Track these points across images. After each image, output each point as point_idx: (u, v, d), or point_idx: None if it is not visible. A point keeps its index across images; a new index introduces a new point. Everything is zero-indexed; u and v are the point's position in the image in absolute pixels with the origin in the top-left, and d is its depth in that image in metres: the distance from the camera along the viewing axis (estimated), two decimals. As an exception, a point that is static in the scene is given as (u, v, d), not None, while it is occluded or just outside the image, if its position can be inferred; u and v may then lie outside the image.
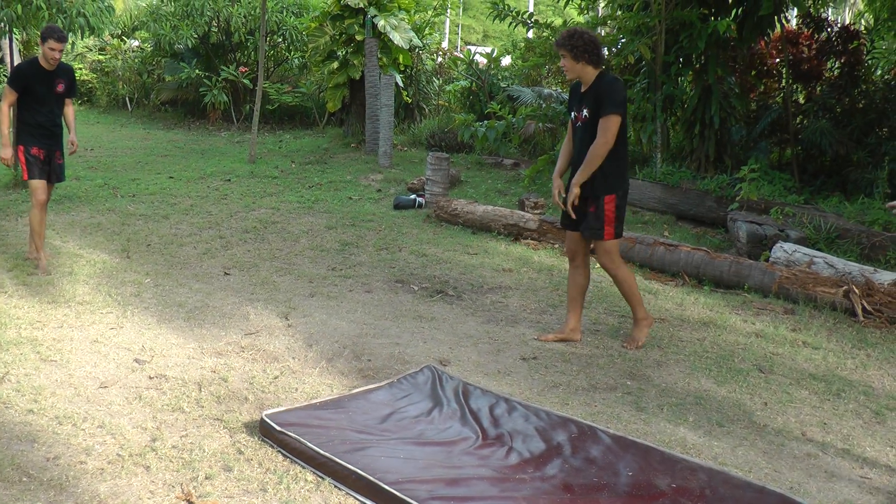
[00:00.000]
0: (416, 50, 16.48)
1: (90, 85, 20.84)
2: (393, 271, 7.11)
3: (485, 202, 9.68)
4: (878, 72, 12.83)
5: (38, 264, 6.68)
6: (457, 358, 5.18)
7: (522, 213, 8.67)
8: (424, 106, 17.38)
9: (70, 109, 7.04)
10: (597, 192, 5.22)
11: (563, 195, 5.43)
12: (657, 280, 7.24)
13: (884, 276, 6.69)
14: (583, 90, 5.29)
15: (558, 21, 14.91)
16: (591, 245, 5.52)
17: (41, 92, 6.71)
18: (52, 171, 6.89)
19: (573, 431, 4.10)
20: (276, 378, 4.71)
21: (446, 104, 17.03)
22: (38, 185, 6.73)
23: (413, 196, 10.08)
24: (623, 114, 5.12)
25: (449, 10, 18.47)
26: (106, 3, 11.41)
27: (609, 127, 5.05)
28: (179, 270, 6.84)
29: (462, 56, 18.26)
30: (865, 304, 6.25)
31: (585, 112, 5.22)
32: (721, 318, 6.22)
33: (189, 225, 8.47)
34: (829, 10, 16.15)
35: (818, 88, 12.32)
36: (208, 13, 17.74)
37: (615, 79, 5.24)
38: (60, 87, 6.82)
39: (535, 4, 37.19)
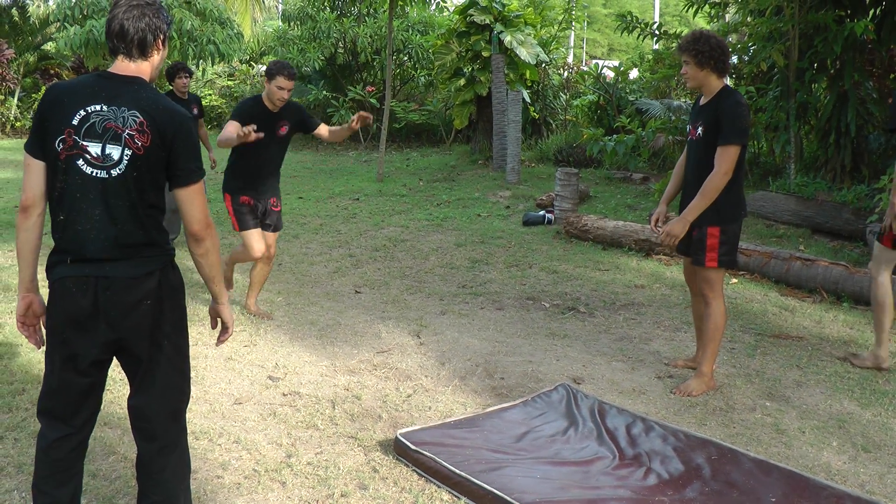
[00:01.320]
0: (543, 65, 16.52)
1: (220, 110, 21.63)
2: (524, 288, 7.15)
3: (615, 217, 9.63)
4: None
5: (262, 315, 6.31)
6: (590, 376, 5.17)
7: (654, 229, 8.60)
8: (552, 121, 17.39)
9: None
10: (701, 221, 4.82)
11: (661, 224, 5.14)
12: (794, 296, 7.06)
13: None
14: (702, 102, 4.95)
15: (686, 31, 14.70)
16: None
17: (263, 135, 5.71)
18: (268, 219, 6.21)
19: (713, 453, 4.04)
20: (409, 396, 4.79)
21: (574, 119, 17.00)
22: (253, 234, 6.04)
23: (542, 212, 10.09)
24: (745, 142, 4.75)
25: (574, 25, 18.42)
26: (235, 31, 11.87)
27: (729, 157, 4.66)
28: (311, 289, 7.04)
29: (589, 70, 18.21)
30: None
31: (700, 129, 4.85)
32: (862, 337, 6.02)
33: (319, 244, 8.71)
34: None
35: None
36: (335, 35, 18.23)
37: (740, 102, 4.75)
38: (283, 130, 6.04)
39: (661, 15, 36.67)
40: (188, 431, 4.25)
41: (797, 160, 10.99)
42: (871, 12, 10.88)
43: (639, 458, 3.99)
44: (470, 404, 4.70)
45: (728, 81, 15.10)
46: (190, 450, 4.05)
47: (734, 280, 7.50)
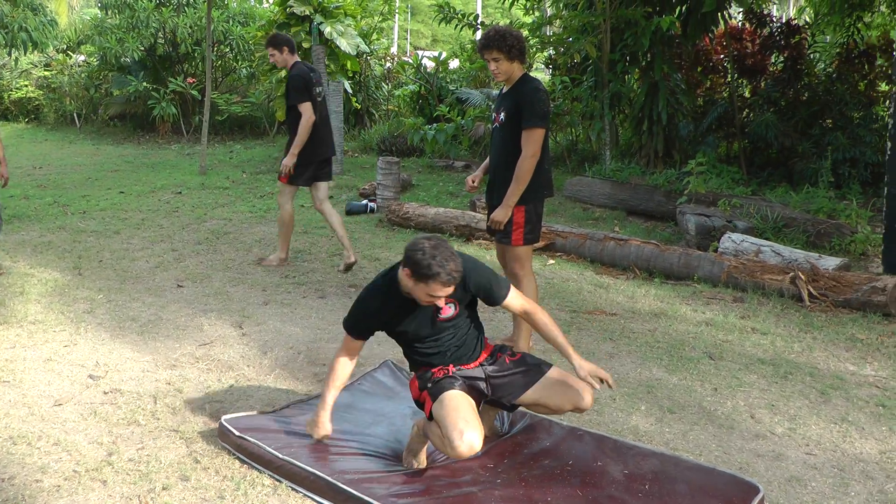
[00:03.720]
0: (364, 56, 16.49)
1: (37, 102, 20.54)
2: (346, 276, 7.11)
3: (436, 205, 9.71)
4: (820, 65, 13.09)
5: None
6: (411, 356, 5.20)
7: (474, 213, 8.73)
8: (374, 111, 17.42)
9: None
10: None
11: (479, 190, 5.48)
12: (608, 275, 7.31)
13: (828, 262, 6.82)
14: (504, 90, 5.09)
15: (505, 22, 15.00)
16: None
17: None
18: None
19: (527, 423, 4.14)
20: (231, 387, 4.69)
21: (396, 109, 17.07)
22: None
23: (365, 201, 10.09)
24: (547, 126, 4.92)
25: (396, 16, 18.48)
26: (49, 18, 11.26)
27: (534, 139, 4.82)
28: (132, 285, 6.77)
29: (410, 60, 18.31)
30: (811, 290, 6.37)
31: (503, 115, 4.99)
32: (672, 309, 6.30)
33: (141, 239, 8.39)
34: (773, 6, 16.45)
35: (763, 83, 12.54)
36: (154, 25, 17.59)
37: (539, 87, 4.94)
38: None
39: (483, 7, 37.35)
40: (6, 436, 4.01)
41: (612, 147, 11.42)
42: (678, 9, 11.43)
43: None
44: (293, 392, 4.65)
45: (546, 72, 15.59)
46: (7, 455, 3.82)
47: (551, 261, 7.71)
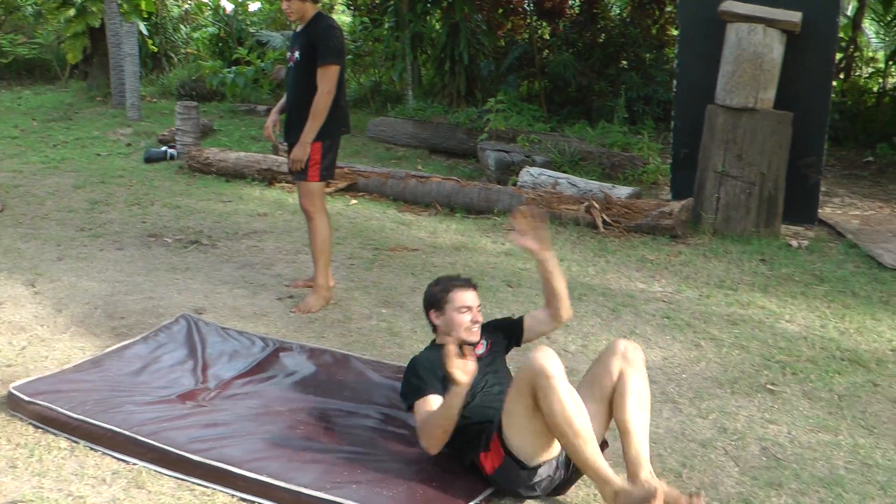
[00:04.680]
0: (160, -4, 15.71)
1: None
2: (145, 226, 6.76)
3: (238, 149, 9.39)
4: (616, 10, 13.50)
5: None
6: (213, 305, 4.99)
7: (276, 157, 8.47)
8: (173, 55, 16.65)
9: None
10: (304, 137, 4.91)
11: (279, 134, 5.25)
12: (410, 212, 7.28)
13: (621, 191, 7.05)
14: (298, 29, 5.02)
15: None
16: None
17: None
18: None
19: (328, 360, 4.07)
20: (23, 349, 4.32)
21: (195, 52, 16.37)
22: None
23: (164, 148, 9.66)
24: (341, 62, 4.83)
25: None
26: None
27: (330, 76, 4.75)
28: (-90, 247, 6.17)
29: (208, 2, 17.59)
30: (605, 217, 6.56)
31: (298, 53, 4.90)
32: (472, 242, 6.33)
33: (-79, 196, 7.67)
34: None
35: (561, 25, 12.79)
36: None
37: (332, 25, 4.90)
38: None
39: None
40: None
41: (415, 87, 11.40)
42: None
43: (261, 374, 3.94)
44: (89, 348, 4.34)
45: (345, 12, 15.34)
46: None
47: (354, 201, 7.61)
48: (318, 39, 4.78)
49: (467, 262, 5.82)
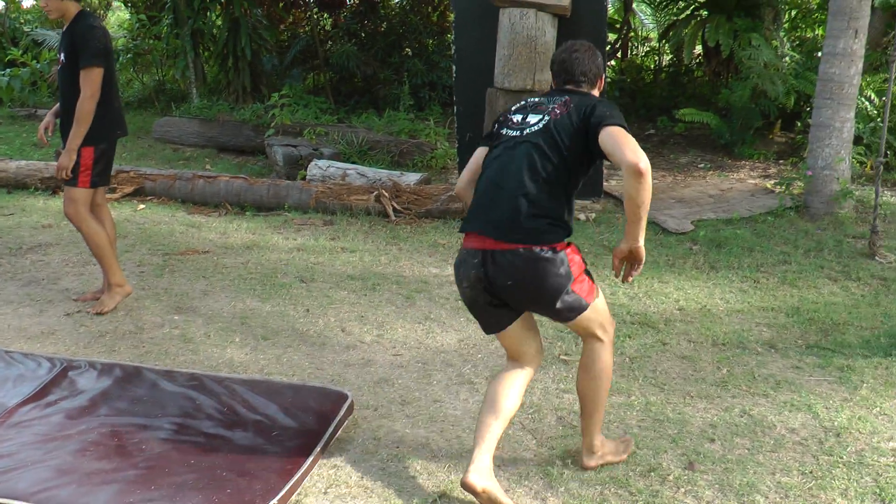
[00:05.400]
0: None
1: None
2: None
3: (19, 158, 8.84)
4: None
5: None
6: (-6, 328, 4.71)
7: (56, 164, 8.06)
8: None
9: None
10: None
11: (52, 137, 5.09)
12: (200, 213, 7.11)
13: (410, 178, 7.16)
14: (64, 29, 4.81)
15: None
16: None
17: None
18: None
19: (119, 375, 3.90)
20: None
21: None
22: None
23: (-63, 161, 8.92)
24: (104, 64, 4.64)
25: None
26: None
27: (93, 79, 4.59)
28: None
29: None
30: (395, 205, 6.65)
31: (63, 55, 4.70)
32: (264, 240, 6.27)
33: None
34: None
35: (342, 16, 12.80)
36: None
37: (93, 24, 4.69)
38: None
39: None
40: None
41: (199, 84, 11.12)
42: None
43: (47, 399, 3.72)
44: None
45: (124, 12, 14.73)
46: None
47: (142, 206, 7.35)
48: (79, 41, 4.60)
49: (259, 260, 5.76)
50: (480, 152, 3.12)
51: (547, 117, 2.92)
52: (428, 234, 6.30)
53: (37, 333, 4.64)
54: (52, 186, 7.84)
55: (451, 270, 5.49)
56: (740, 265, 5.58)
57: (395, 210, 6.62)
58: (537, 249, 2.80)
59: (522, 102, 3.09)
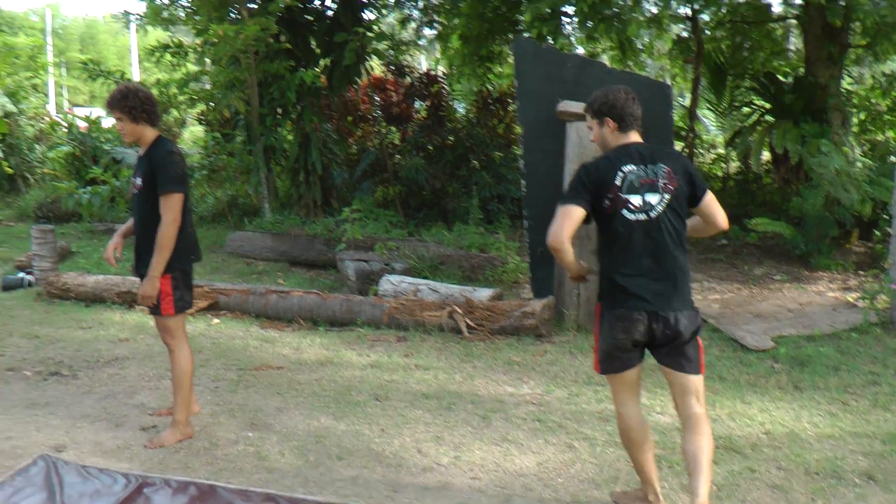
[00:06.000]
0: (13, 116, 15.27)
1: None
2: (2, 359, 6.39)
3: (98, 272, 9.06)
4: (461, 111, 13.90)
5: None
6: (74, 441, 4.73)
7: (134, 278, 8.20)
8: (29, 175, 16.11)
9: None
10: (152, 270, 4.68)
11: (120, 259, 5.06)
12: (274, 328, 7.15)
13: (482, 293, 7.13)
14: (141, 153, 4.81)
15: (162, 76, 14.48)
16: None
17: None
18: None
19: (194, 493, 3.87)
20: None
21: (52, 172, 15.88)
22: None
23: (21, 274, 9.23)
24: (184, 190, 4.65)
25: (51, 71, 17.28)
26: None
27: (173, 206, 4.57)
28: None
29: (61, 120, 17.17)
30: (468, 321, 6.60)
31: (140, 180, 4.70)
32: (338, 356, 6.25)
33: None
34: (423, 57, 17.33)
35: (410, 129, 13.07)
36: None
37: (172, 150, 4.69)
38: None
39: (141, 61, 36.06)
40: None
41: (272, 199, 11.35)
42: (322, 63, 11.65)
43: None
44: None
45: (198, 128, 15.25)
46: None
47: (216, 321, 7.42)
48: (157, 167, 4.59)
49: (333, 377, 5.74)
50: (577, 212, 3.49)
51: (666, 196, 3.47)
52: (502, 352, 6.23)
53: (112, 448, 4.65)
54: (128, 301, 7.98)
55: (527, 389, 5.40)
56: (826, 386, 5.40)
57: (468, 326, 6.58)
58: (693, 311, 3.52)
59: (625, 177, 3.49)
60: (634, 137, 3.66)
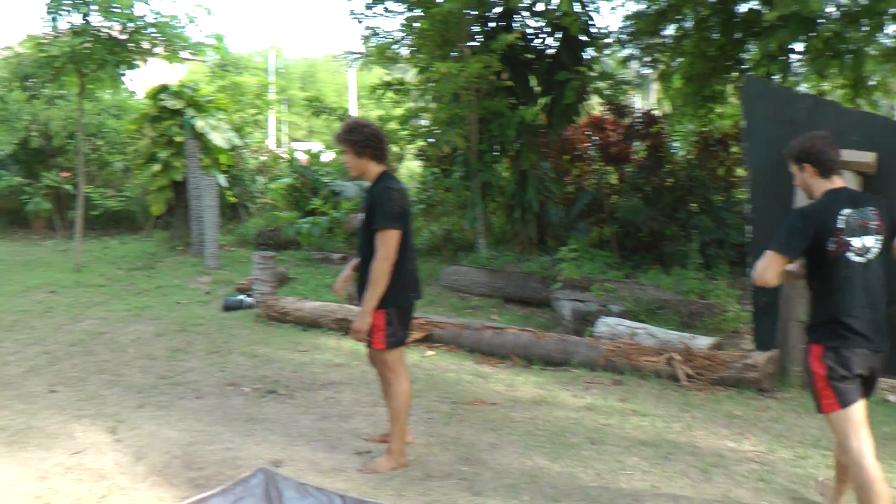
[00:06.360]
0: (238, 149, 16.37)
1: None
2: (224, 375, 6.82)
3: (314, 298, 9.50)
4: (681, 152, 13.62)
5: None
6: (290, 458, 4.96)
7: (351, 306, 8.54)
8: (250, 205, 17.20)
9: None
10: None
11: (348, 290, 5.18)
12: (487, 363, 7.22)
13: (701, 342, 6.92)
14: (367, 187, 4.90)
15: (379, 113, 15.15)
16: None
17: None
18: None
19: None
20: (103, 497, 4.37)
21: (272, 202, 16.89)
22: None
23: (241, 297, 9.79)
24: (401, 227, 4.64)
25: (271, 108, 18.46)
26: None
27: (387, 242, 4.60)
28: (1, 392, 6.31)
29: (283, 154, 18.21)
30: (687, 370, 6.42)
31: (363, 215, 4.80)
32: (552, 396, 6.23)
33: (12, 342, 7.89)
34: (637, 97, 17.17)
35: (628, 170, 12.93)
36: (26, 117, 17.10)
37: (390, 186, 4.71)
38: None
39: (358, 98, 37.66)
40: None
41: (486, 235, 11.51)
42: (542, 101, 11.74)
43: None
44: (168, 498, 4.36)
45: (418, 163, 15.73)
46: None
47: (430, 352, 7.59)
48: (375, 202, 4.67)
49: (548, 417, 5.72)
50: (784, 261, 3.72)
51: (879, 237, 3.70)
52: (722, 404, 6.00)
53: (327, 469, 4.82)
54: (344, 328, 8.29)
55: (749, 445, 5.19)
56: None
57: (686, 375, 6.40)
58: None
59: (847, 220, 3.68)
60: (839, 182, 3.83)
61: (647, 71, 13.80)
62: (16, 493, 4.44)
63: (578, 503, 4.31)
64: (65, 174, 17.49)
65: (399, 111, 11.97)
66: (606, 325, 7.49)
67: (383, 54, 11.56)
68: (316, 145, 18.22)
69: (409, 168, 18.90)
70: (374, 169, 4.79)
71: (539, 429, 5.49)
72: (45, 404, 6.04)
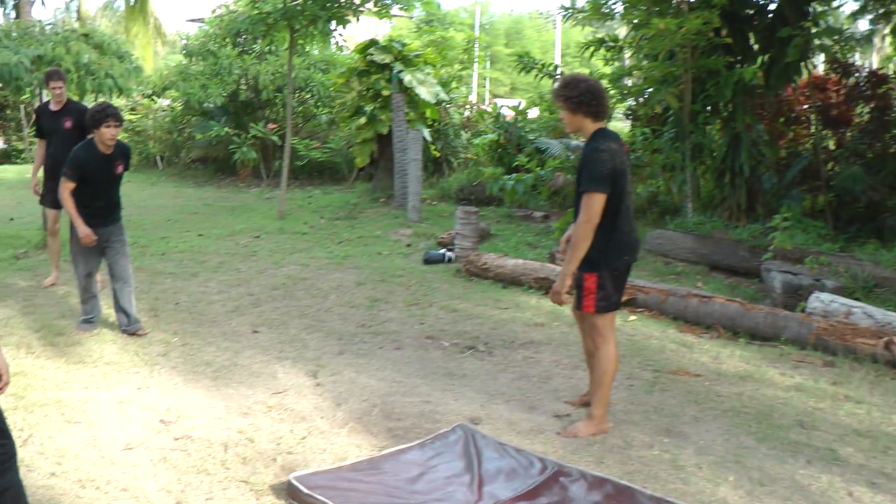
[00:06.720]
0: (443, 104, 16.59)
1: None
2: (423, 327, 7.00)
3: (515, 256, 9.56)
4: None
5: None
6: (488, 416, 5.04)
7: (553, 266, 8.55)
8: (453, 160, 17.46)
9: None
10: (580, 266, 4.68)
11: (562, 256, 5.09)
12: (691, 333, 7.08)
13: (926, 326, 6.51)
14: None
15: (585, 72, 14.98)
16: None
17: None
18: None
19: (609, 491, 3.98)
20: (303, 439, 4.61)
21: (475, 157, 17.06)
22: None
23: (443, 251, 9.96)
24: (606, 190, 4.51)
25: (476, 64, 18.60)
26: (134, 65, 11.53)
27: (590, 205, 4.50)
28: (208, 329, 6.78)
29: (489, 109, 18.30)
30: (911, 357, 6.06)
31: (577, 173, 4.74)
32: (758, 372, 6.04)
33: (218, 283, 8.43)
34: (857, 55, 16.14)
35: (848, 134, 12.21)
36: (236, 72, 18.03)
37: (599, 147, 4.57)
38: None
39: (563, 55, 37.34)
40: (75, 479, 4.03)
41: (694, 199, 11.20)
42: (760, 59, 11.23)
43: (535, 497, 3.87)
44: (365, 446, 4.54)
45: (626, 122, 15.47)
46: (76, 499, 3.82)
47: (633, 317, 7.51)
48: (583, 163, 4.64)
49: (754, 395, 5.55)
50: None
51: None
52: (948, 396, 5.64)
53: (526, 430, 4.87)
54: (544, 286, 8.28)
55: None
56: None
57: (908, 362, 6.05)
58: None
59: None
60: None
61: (877, 25, 12.93)
62: (220, 426, 4.76)
63: (787, 489, 4.18)
64: (272, 126, 18.35)
65: (608, 69, 11.76)
66: (820, 301, 7.15)
67: (598, 10, 11.36)
68: (521, 101, 18.17)
69: (617, 128, 18.64)
70: (590, 126, 4.71)
71: (745, 406, 5.34)
72: (248, 343, 6.42)
